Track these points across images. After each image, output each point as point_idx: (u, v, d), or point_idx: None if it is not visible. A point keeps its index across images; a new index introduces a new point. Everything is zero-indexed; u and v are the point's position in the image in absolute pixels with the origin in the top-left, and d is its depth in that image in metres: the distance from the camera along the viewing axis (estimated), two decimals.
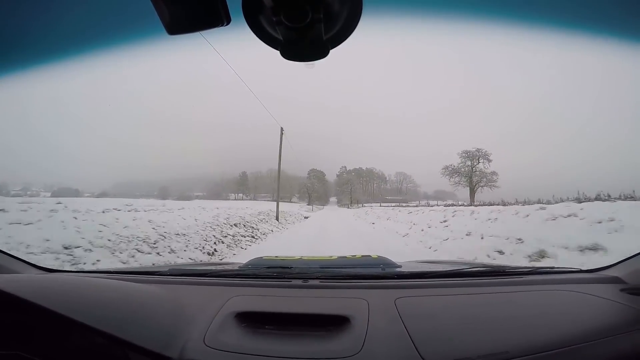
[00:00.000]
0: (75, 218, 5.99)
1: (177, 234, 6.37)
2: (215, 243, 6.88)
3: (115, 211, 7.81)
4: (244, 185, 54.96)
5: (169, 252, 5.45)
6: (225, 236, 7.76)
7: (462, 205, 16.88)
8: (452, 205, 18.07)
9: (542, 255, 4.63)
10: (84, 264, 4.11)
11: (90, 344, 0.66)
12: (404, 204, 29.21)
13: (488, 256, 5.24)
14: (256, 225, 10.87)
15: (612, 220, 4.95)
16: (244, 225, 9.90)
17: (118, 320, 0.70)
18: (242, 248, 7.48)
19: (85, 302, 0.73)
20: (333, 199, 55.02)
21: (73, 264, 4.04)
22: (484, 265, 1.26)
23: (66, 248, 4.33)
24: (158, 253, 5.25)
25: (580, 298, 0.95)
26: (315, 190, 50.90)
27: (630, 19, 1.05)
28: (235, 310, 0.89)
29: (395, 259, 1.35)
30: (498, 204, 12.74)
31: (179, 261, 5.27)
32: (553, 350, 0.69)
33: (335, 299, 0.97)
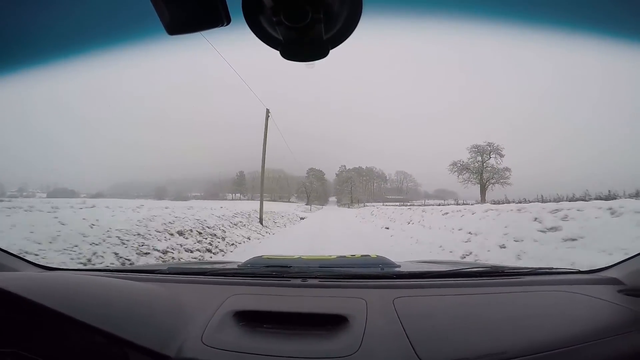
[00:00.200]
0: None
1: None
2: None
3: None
4: (242, 185, 54.47)
5: None
6: (147, 253, 5.25)
7: (475, 203, 14.91)
8: (463, 204, 16.27)
9: None
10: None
11: (88, 342, 0.66)
12: (407, 204, 27.49)
13: None
14: (225, 231, 8.45)
15: None
16: (200, 233, 7.35)
17: (117, 319, 0.70)
18: None
19: (84, 300, 0.73)
20: (332, 199, 54.25)
21: None
22: (483, 266, 1.26)
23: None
24: None
25: (579, 299, 0.95)
26: (314, 189, 50.21)
27: (631, 18, 1.05)
28: (234, 309, 0.89)
29: None
30: (520, 202, 11.05)
31: None
32: (551, 350, 0.69)
33: (333, 299, 0.98)
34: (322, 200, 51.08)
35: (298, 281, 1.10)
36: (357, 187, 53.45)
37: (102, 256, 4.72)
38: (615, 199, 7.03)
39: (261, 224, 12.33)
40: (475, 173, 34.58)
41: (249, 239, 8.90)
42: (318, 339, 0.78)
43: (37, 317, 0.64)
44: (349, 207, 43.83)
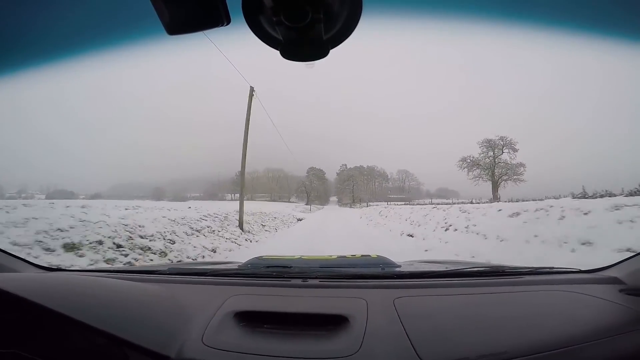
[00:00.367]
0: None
1: None
2: None
3: None
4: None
5: None
6: None
7: (490, 202, 13.65)
8: (476, 202, 14.42)
9: None
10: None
11: (89, 343, 0.66)
12: (414, 203, 26.16)
13: None
14: (175, 242, 6.09)
15: None
16: (118, 246, 4.94)
17: (117, 319, 0.70)
18: None
19: (85, 301, 0.73)
20: (333, 199, 53.54)
21: None
22: (483, 265, 1.26)
23: None
24: None
25: (579, 298, 0.95)
26: (313, 188, 49.40)
27: (632, 19, 1.05)
28: (234, 310, 0.89)
29: None
30: (542, 199, 8.29)
31: None
32: (551, 350, 0.69)
33: (334, 299, 0.98)
34: (323, 200, 50.57)
35: (298, 281, 1.10)
36: (360, 185, 51.99)
37: None
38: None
39: (241, 229, 9.80)
40: (487, 169, 32.63)
41: (213, 251, 6.64)
42: (319, 339, 0.78)
43: (37, 318, 0.64)
44: (350, 207, 42.16)
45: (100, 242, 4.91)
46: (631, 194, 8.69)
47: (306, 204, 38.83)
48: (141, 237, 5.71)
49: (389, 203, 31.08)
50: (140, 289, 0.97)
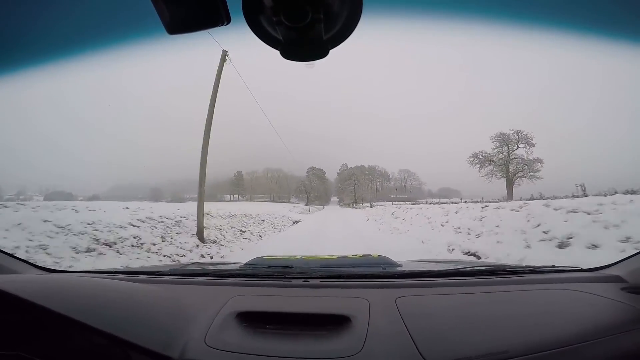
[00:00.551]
0: None
1: None
2: None
3: None
4: (240, 186, 52.88)
5: None
6: None
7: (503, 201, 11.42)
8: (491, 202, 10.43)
9: None
10: None
11: (91, 344, 0.66)
12: (425, 202, 23.88)
13: None
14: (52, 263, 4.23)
15: None
16: None
17: (119, 320, 0.70)
18: None
19: (86, 302, 0.73)
20: (334, 199, 52.47)
21: None
22: (485, 265, 1.26)
23: None
24: None
25: (581, 297, 0.95)
26: (313, 188, 48.21)
27: (632, 19, 1.05)
28: (236, 310, 0.89)
29: None
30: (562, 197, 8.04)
31: None
32: (553, 349, 0.69)
33: (336, 299, 0.98)
34: (323, 200, 49.53)
35: (300, 281, 1.10)
36: (362, 184, 49.66)
37: None
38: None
39: (199, 238, 7.21)
40: (501, 165, 29.96)
41: None
42: (320, 339, 0.78)
43: (39, 319, 0.63)
44: (353, 207, 39.68)
45: None
46: None
47: (306, 205, 37.75)
48: None
49: (393, 203, 27.77)
50: (142, 290, 0.97)
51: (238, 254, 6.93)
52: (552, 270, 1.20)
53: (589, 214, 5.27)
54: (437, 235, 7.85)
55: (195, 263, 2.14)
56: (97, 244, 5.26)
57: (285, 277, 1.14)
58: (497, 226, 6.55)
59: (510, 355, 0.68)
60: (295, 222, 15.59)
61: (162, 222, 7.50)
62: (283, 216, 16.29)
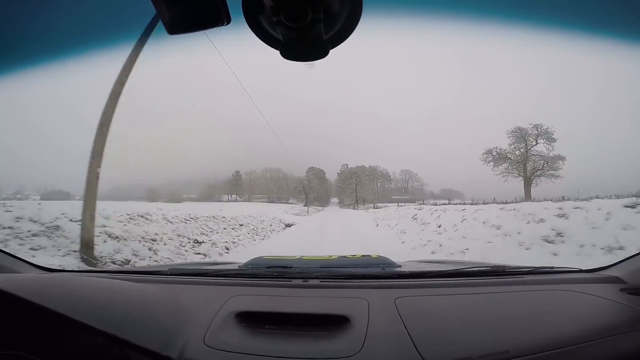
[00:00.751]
0: None
1: None
2: None
3: None
4: (238, 186, 51.85)
5: None
6: None
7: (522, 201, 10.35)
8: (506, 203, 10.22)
9: None
10: None
11: (90, 344, 0.66)
12: (428, 203, 21.85)
13: None
14: None
15: None
16: None
17: (118, 320, 0.70)
18: None
19: (86, 301, 0.73)
20: (334, 200, 52.04)
21: None
22: (484, 265, 1.26)
23: None
24: None
25: (580, 298, 0.95)
26: (313, 189, 47.35)
27: (632, 19, 1.05)
28: (236, 310, 0.89)
29: None
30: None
31: None
32: (553, 350, 0.69)
33: (335, 299, 0.98)
34: (323, 201, 48.62)
35: (299, 282, 1.10)
36: (364, 184, 47.50)
37: None
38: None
39: (88, 256, 4.78)
40: (518, 163, 27.18)
41: None
42: (320, 340, 0.78)
43: (38, 319, 0.63)
44: (354, 209, 36.87)
45: None
46: None
47: (304, 205, 36.43)
48: None
49: (399, 204, 24.67)
50: (141, 290, 0.97)
51: None
52: (551, 271, 1.20)
53: None
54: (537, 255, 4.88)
55: (194, 263, 2.13)
56: None
57: (284, 277, 1.14)
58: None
59: (510, 356, 0.68)
60: (288, 225, 12.87)
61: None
62: (273, 218, 13.24)
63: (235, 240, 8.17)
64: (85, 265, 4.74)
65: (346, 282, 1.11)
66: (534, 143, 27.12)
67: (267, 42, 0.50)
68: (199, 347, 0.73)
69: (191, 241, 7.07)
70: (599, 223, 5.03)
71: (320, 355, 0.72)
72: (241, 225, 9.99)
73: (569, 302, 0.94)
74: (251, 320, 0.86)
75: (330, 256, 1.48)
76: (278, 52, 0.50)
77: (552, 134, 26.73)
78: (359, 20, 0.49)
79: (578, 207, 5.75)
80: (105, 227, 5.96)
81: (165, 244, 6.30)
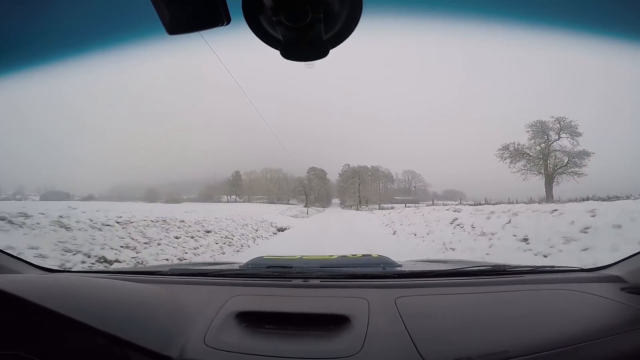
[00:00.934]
0: None
1: None
2: None
3: None
4: (237, 187, 51.34)
5: None
6: None
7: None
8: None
9: None
10: None
11: (90, 344, 0.66)
12: (435, 204, 19.89)
13: None
14: None
15: None
16: None
17: (118, 320, 0.70)
18: None
19: (86, 302, 0.73)
20: (336, 201, 51.60)
21: None
22: (485, 265, 1.26)
23: None
24: None
25: (581, 297, 0.95)
26: (313, 188, 46.37)
27: (632, 19, 1.05)
28: (236, 310, 0.89)
29: None
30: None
31: None
32: (553, 349, 0.69)
33: (335, 299, 0.98)
34: (324, 202, 47.50)
35: (299, 281, 1.10)
36: (368, 183, 45.53)
37: None
38: None
39: None
40: (538, 159, 24.65)
41: None
42: (320, 339, 0.78)
43: (38, 319, 0.63)
44: (357, 210, 34.40)
45: None
46: None
47: (304, 206, 35.06)
48: None
49: (407, 205, 23.31)
50: (142, 290, 0.97)
51: None
52: (552, 270, 1.20)
53: None
54: None
55: (195, 263, 2.13)
56: None
57: (285, 277, 1.14)
58: None
59: (510, 355, 0.68)
60: (281, 230, 10.75)
61: None
62: (262, 221, 11.03)
63: (185, 256, 5.77)
64: None
65: (346, 281, 1.11)
66: (556, 138, 24.50)
67: (267, 42, 0.50)
68: (199, 347, 0.73)
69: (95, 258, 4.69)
70: None
71: (320, 355, 0.72)
72: (208, 232, 7.39)
73: (569, 302, 0.94)
74: (251, 320, 0.86)
75: (331, 256, 1.48)
76: (278, 52, 0.50)
77: (577, 128, 23.95)
78: (359, 20, 0.49)
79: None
80: None
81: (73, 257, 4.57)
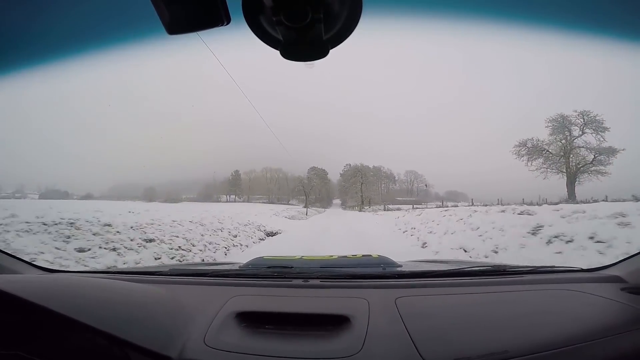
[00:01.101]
0: None
1: None
2: None
3: None
4: (237, 186, 50.67)
5: None
6: None
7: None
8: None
9: None
10: None
11: (90, 344, 0.66)
12: (438, 206, 18.49)
13: None
14: None
15: None
16: None
17: (118, 320, 0.70)
18: None
19: (86, 302, 0.73)
20: (337, 201, 50.71)
21: None
22: (485, 265, 1.26)
23: None
24: None
25: (581, 297, 0.95)
26: (313, 188, 44.99)
27: (632, 19, 1.05)
28: (236, 310, 0.89)
29: None
30: None
31: None
32: (553, 349, 0.69)
33: (335, 299, 0.98)
34: (325, 202, 46.38)
35: (299, 282, 1.10)
36: (371, 182, 43.54)
37: None
38: None
39: None
40: (560, 156, 22.56)
41: None
42: (320, 340, 0.78)
43: (38, 319, 0.63)
44: (360, 211, 32.61)
45: None
46: None
47: (304, 207, 33.93)
48: None
49: (414, 206, 21.65)
50: (142, 290, 0.97)
51: None
52: (552, 270, 1.20)
53: None
54: None
55: (195, 263, 2.13)
56: None
57: (285, 277, 1.14)
58: None
59: (510, 356, 0.68)
60: (271, 234, 9.22)
61: None
62: (247, 225, 9.23)
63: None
64: None
65: (346, 282, 1.11)
66: (580, 133, 22.37)
67: (267, 42, 0.50)
68: (199, 347, 0.73)
69: None
70: None
71: (320, 355, 0.72)
72: (148, 241, 5.35)
73: (569, 302, 0.94)
74: (251, 320, 0.85)
75: (331, 256, 1.48)
76: (278, 52, 0.50)
77: (603, 123, 21.50)
78: (359, 20, 0.49)
79: None
80: None
81: None
